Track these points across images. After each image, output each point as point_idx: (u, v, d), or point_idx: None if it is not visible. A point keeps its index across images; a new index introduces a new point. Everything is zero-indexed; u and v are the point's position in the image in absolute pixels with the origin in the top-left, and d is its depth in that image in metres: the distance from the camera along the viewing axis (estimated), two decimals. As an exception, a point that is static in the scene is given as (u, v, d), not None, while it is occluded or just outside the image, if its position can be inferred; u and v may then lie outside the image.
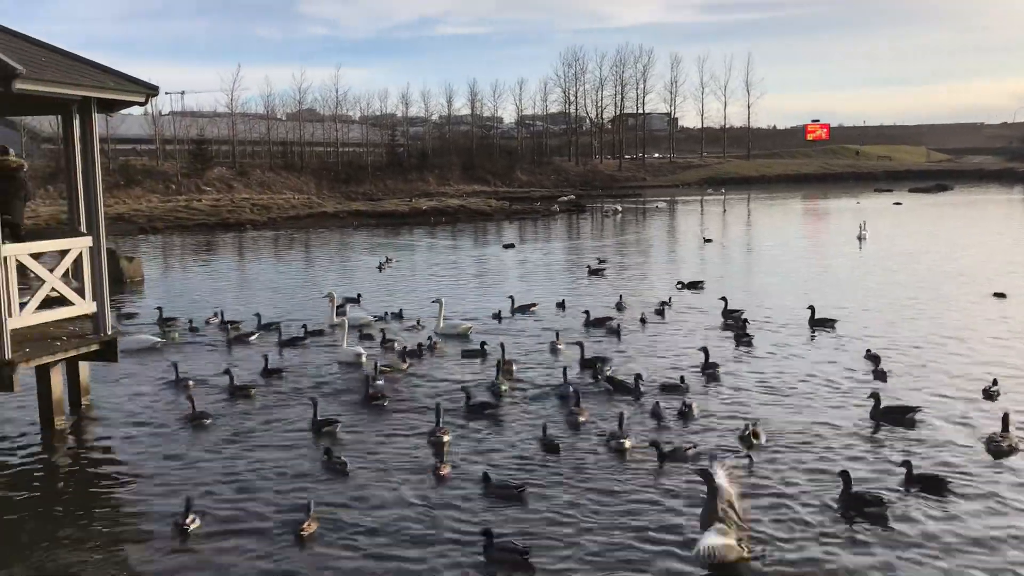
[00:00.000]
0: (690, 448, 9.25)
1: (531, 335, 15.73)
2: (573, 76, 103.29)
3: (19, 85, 8.37)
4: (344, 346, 14.38)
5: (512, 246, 33.63)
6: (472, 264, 27.98)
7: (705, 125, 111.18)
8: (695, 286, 21.01)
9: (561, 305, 18.37)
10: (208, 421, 10.53)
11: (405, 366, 13.15)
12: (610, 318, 16.73)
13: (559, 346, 14.39)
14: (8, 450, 9.79)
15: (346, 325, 15.22)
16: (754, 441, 9.51)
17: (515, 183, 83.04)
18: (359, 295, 19.29)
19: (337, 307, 16.80)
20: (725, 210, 55.58)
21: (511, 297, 18.41)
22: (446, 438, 9.68)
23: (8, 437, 10.20)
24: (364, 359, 13.66)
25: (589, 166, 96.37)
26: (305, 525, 7.40)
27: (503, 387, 11.78)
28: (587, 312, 16.91)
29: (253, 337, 15.45)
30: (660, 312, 17.47)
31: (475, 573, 6.85)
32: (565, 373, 12.08)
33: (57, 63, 9.72)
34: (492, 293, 19.90)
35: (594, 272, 24.57)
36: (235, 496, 8.38)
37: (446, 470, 8.73)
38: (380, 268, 26.00)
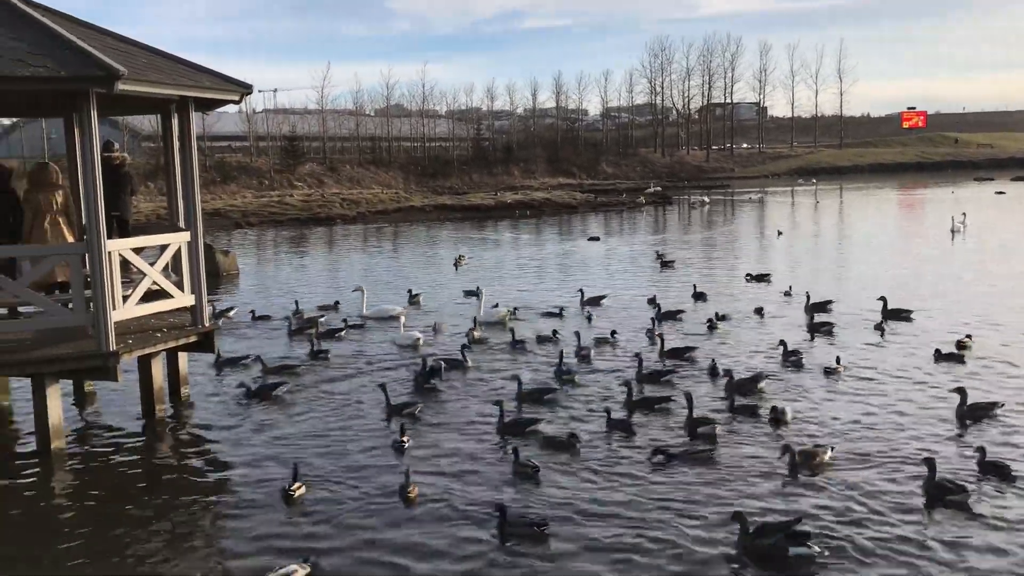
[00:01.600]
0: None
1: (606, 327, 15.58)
2: (659, 66, 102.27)
3: (121, 86, 8.69)
4: (402, 331, 15.02)
5: (597, 239, 33.44)
6: (556, 257, 27.94)
7: (795, 114, 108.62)
8: (762, 279, 20.77)
9: (652, 301, 17.85)
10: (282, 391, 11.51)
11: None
12: (682, 311, 16.69)
13: (656, 334, 14.34)
14: (115, 436, 10.24)
15: (482, 292, 16.91)
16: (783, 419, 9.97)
17: (600, 175, 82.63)
18: (336, 302, 18.46)
19: (308, 318, 16.47)
20: (817, 201, 54.12)
21: (580, 290, 18.60)
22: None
23: (114, 424, 10.67)
24: (421, 342, 14.43)
25: (675, 157, 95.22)
26: (411, 489, 8.06)
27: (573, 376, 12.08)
28: (657, 305, 17.06)
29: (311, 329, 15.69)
30: (759, 312, 16.73)
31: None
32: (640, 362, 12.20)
33: (156, 64, 10.07)
34: (576, 286, 19.80)
35: (666, 264, 24.41)
36: (332, 467, 8.95)
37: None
38: (456, 265, 25.75)
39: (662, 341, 13.62)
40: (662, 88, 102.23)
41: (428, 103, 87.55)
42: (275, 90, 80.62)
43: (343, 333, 15.46)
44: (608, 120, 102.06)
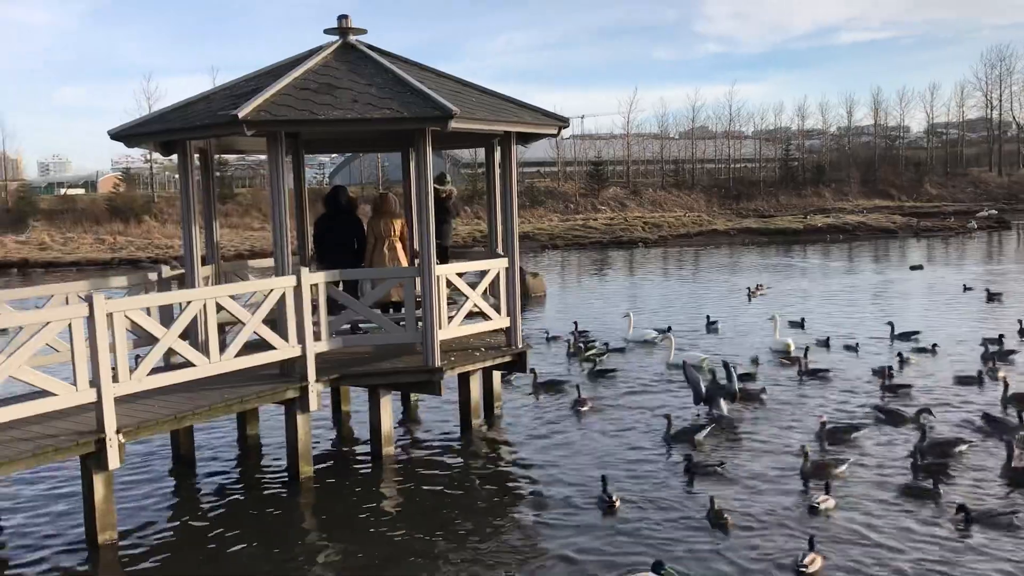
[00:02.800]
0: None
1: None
2: (996, 78, 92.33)
3: (454, 124, 9.42)
4: (776, 336, 15.97)
5: (920, 267, 30.89)
6: (871, 287, 26.14)
7: None
8: None
9: (993, 341, 15.65)
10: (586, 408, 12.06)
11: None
12: (1014, 351, 14.96)
13: (999, 374, 13.14)
14: (437, 445, 11.09)
15: (776, 319, 16.50)
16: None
17: (923, 197, 76.15)
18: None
19: (585, 340, 17.19)
20: None
21: (890, 323, 17.22)
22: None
23: (435, 435, 11.55)
24: (793, 347, 15.37)
25: (1015, 177, 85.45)
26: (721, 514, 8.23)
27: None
28: (999, 342, 15.31)
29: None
30: None
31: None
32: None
33: (484, 102, 10.80)
34: (890, 318, 18.36)
35: (992, 297, 21.92)
36: (639, 486, 9.24)
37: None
38: (749, 296, 24.10)
39: (1006, 385, 12.19)
40: (999, 101, 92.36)
41: (734, 124, 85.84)
42: (582, 116, 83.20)
43: (604, 357, 15.73)
44: (933, 137, 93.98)
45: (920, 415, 11.15)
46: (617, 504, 8.63)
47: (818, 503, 8.39)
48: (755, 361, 15.26)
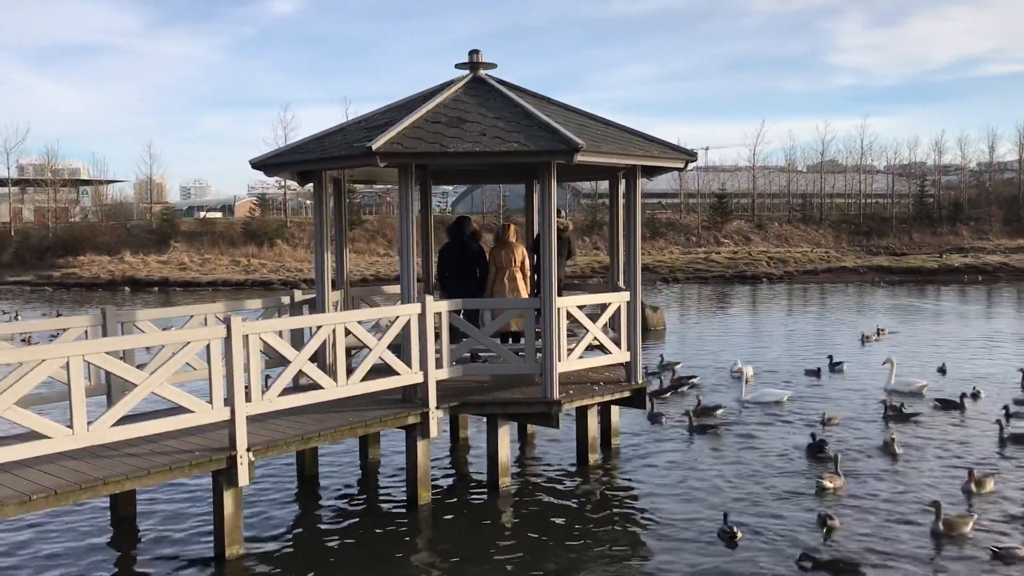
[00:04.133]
0: None
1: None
2: None
3: (579, 158, 9.46)
4: (891, 381, 15.91)
5: (1068, 313, 29.04)
6: (1012, 333, 24.63)
7: None
8: None
9: None
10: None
11: None
12: None
13: None
14: (551, 478, 11.04)
15: (894, 362, 16.30)
16: None
17: (1073, 237, 71.56)
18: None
19: (679, 377, 16.84)
20: None
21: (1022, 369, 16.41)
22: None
23: (551, 467, 11.51)
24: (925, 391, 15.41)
25: None
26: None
27: None
28: None
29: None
30: None
31: None
32: None
33: (609, 135, 10.81)
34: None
35: None
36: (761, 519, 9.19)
37: None
38: (863, 341, 22.40)
39: None
40: None
41: (865, 158, 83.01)
42: (706, 148, 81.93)
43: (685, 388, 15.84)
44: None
45: None
46: (739, 537, 8.56)
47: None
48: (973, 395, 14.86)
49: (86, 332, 9.49)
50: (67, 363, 7.19)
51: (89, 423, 7.30)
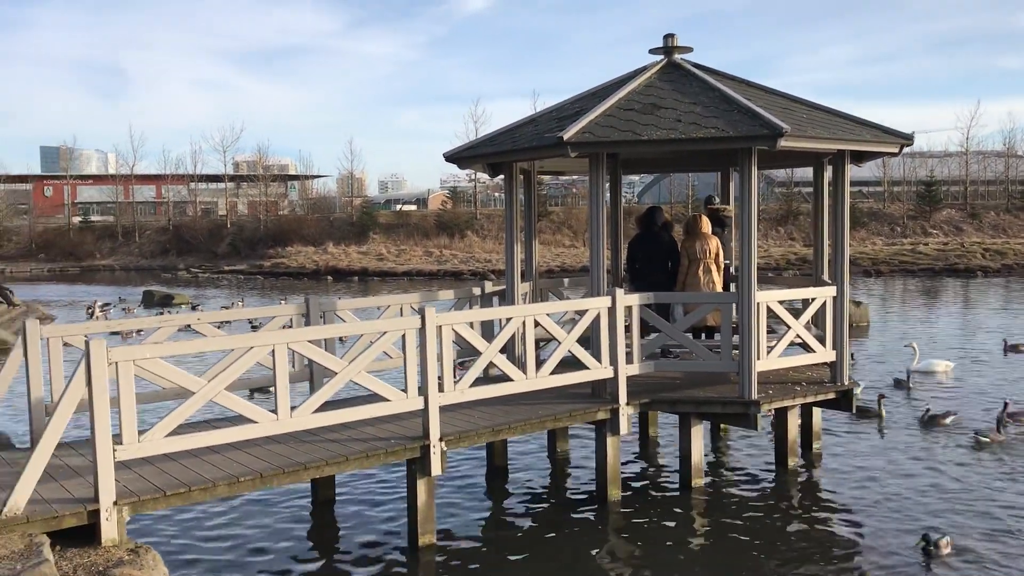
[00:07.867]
0: None
1: None
2: None
3: (783, 143, 8.87)
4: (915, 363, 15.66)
5: None
6: None
7: None
8: None
9: None
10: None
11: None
12: None
13: None
14: (747, 481, 10.51)
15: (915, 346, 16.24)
16: None
17: None
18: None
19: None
20: None
21: None
22: None
23: (747, 470, 10.96)
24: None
25: None
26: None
27: None
28: None
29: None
30: None
31: None
32: None
33: (815, 119, 10.10)
34: None
35: None
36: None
37: None
38: (1005, 351, 18.91)
39: None
40: None
41: (1100, 139, 74.88)
42: (913, 132, 76.05)
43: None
44: None
45: None
46: (944, 551, 7.86)
47: None
48: None
49: (291, 320, 9.90)
50: (272, 351, 7.46)
51: (292, 408, 7.55)
